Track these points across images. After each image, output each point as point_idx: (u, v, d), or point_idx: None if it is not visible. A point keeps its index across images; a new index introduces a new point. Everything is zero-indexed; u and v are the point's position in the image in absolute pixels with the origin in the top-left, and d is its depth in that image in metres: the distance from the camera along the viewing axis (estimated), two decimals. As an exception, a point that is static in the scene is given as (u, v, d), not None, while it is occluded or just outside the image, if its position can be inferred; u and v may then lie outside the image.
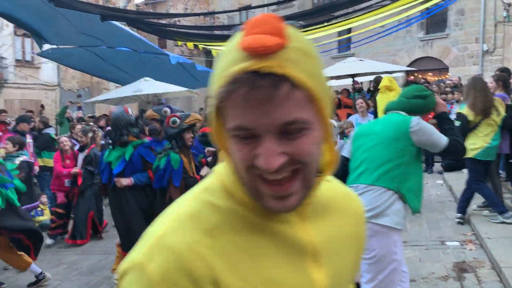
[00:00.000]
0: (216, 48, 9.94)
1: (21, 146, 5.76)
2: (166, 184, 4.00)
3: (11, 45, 19.21)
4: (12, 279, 5.09)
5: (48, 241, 6.20)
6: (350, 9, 8.26)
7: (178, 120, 4.02)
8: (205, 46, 9.68)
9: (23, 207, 4.84)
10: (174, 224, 0.71)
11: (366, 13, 7.52)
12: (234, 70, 0.66)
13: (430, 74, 17.90)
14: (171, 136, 4.09)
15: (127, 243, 4.23)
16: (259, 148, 0.67)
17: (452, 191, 7.17)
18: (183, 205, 0.76)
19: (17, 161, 5.57)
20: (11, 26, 17.51)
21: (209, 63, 20.68)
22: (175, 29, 8.86)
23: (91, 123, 8.83)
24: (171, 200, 3.97)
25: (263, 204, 0.71)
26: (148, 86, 10.12)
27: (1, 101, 18.80)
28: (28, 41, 21.19)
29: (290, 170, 0.69)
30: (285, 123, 0.67)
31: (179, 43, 9.17)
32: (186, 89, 11.17)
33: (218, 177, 0.79)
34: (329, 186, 0.88)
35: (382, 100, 5.60)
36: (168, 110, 4.87)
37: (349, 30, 11.24)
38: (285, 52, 0.68)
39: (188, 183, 3.92)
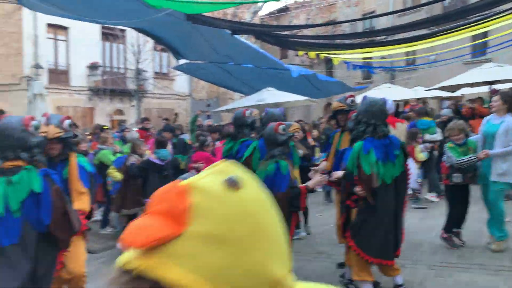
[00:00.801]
0: (337, 57, 9.95)
1: (162, 145, 6.36)
2: (276, 189, 4.04)
3: (152, 59, 21.46)
4: None
5: None
6: (487, 12, 7.60)
7: (286, 128, 4.09)
8: (326, 55, 9.76)
9: None
10: None
11: (506, 15, 6.86)
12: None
13: None
14: (279, 143, 4.10)
15: None
16: None
17: None
18: None
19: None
20: (151, 42, 19.56)
21: (330, 72, 20.65)
22: (297, 39, 9.09)
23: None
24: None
25: None
26: (270, 95, 10.54)
27: (142, 110, 21.05)
28: (165, 55, 23.51)
29: None
30: None
31: (300, 53, 9.38)
32: (307, 98, 11.35)
33: None
34: None
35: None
36: (354, 99, 4.89)
37: (485, 34, 10.33)
38: (175, 243, 0.54)
39: (294, 190, 3.93)
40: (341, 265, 4.83)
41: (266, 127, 5.21)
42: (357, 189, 3.90)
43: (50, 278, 2.66)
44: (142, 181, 6.12)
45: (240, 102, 12.63)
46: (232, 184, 0.60)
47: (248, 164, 4.29)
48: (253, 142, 4.57)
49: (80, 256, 3.23)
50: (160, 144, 6.25)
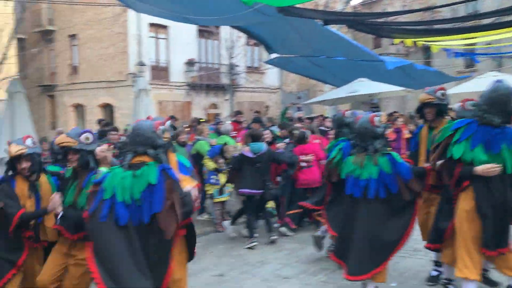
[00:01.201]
0: (436, 44, 9.33)
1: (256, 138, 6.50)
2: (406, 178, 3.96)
3: (244, 54, 22.00)
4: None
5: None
6: None
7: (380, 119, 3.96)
8: (424, 43, 9.21)
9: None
10: None
11: None
12: None
13: None
14: (377, 135, 3.97)
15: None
16: None
17: None
18: None
19: None
20: (244, 37, 20.07)
21: (428, 61, 19.49)
22: (393, 26, 8.71)
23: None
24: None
25: None
26: (363, 86, 10.24)
27: (234, 104, 21.73)
28: (256, 49, 23.96)
29: None
30: None
31: (396, 41, 8.97)
32: (402, 88, 10.85)
33: None
34: None
35: None
36: (445, 92, 4.47)
37: None
38: None
39: (419, 171, 4.03)
40: (437, 264, 4.60)
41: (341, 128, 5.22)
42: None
43: (163, 270, 3.00)
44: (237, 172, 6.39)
45: (331, 93, 12.46)
46: None
47: (337, 164, 4.21)
48: (340, 143, 4.47)
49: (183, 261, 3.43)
50: (254, 137, 6.39)
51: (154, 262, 2.95)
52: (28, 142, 3.68)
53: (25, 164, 3.63)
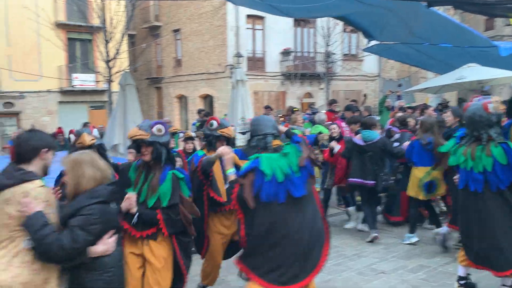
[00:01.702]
0: None
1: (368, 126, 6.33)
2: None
3: (341, 41, 21.48)
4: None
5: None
6: None
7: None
8: (547, 22, 8.19)
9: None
10: None
11: None
12: None
13: None
14: (492, 123, 3.66)
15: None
16: None
17: None
18: None
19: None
20: (341, 24, 19.57)
21: (551, 42, 17.29)
22: (509, 4, 7.85)
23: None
24: None
25: None
26: (472, 72, 9.38)
27: (330, 92, 21.35)
28: (354, 36, 23.25)
29: None
30: None
31: (512, 21, 8.10)
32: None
33: None
34: None
35: None
36: None
37: None
38: None
39: None
40: None
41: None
42: None
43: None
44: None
45: (435, 80, 11.63)
46: None
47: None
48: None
49: None
50: (366, 125, 6.20)
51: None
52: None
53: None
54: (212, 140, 4.20)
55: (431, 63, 11.30)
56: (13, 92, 19.34)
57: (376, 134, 6.05)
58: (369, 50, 11.06)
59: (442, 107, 10.01)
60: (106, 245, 2.48)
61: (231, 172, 3.27)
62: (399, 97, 11.73)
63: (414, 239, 5.83)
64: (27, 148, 2.44)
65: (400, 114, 8.13)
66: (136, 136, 3.34)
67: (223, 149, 3.44)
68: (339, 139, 6.66)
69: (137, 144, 3.40)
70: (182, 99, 24.59)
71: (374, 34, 8.95)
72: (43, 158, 2.47)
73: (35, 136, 2.49)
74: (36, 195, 2.35)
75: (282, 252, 2.98)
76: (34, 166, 2.44)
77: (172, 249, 3.39)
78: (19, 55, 19.12)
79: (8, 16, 18.83)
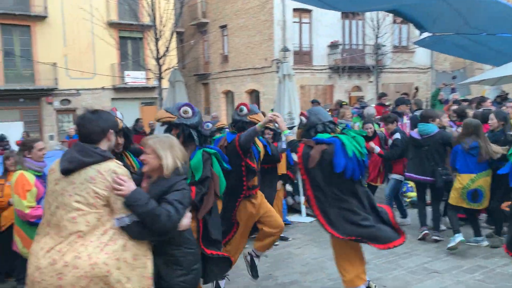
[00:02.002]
0: None
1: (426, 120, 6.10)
2: None
3: (391, 33, 20.84)
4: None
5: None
6: None
7: None
8: None
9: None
10: None
11: None
12: None
13: None
14: None
15: None
16: None
17: None
18: None
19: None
20: (391, 15, 18.98)
21: None
22: None
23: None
24: None
25: None
26: (536, 62, 8.81)
27: (379, 86, 20.81)
28: (404, 27, 22.48)
29: None
30: None
31: None
32: None
33: None
34: None
35: None
36: None
37: None
38: None
39: None
40: None
41: None
42: None
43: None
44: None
45: (494, 72, 11.01)
46: None
47: None
48: None
49: None
50: (424, 117, 5.97)
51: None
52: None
53: (120, 140, 3.32)
54: (242, 126, 4.11)
55: (488, 56, 10.68)
56: (70, 89, 20.31)
57: (433, 127, 5.73)
58: (420, 43, 10.59)
59: (501, 99, 9.48)
60: (188, 219, 2.59)
61: (288, 133, 3.65)
62: (453, 90, 11.23)
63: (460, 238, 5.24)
64: (96, 129, 2.40)
65: (455, 107, 7.77)
66: (163, 118, 3.34)
67: (273, 114, 3.68)
68: (373, 137, 6.49)
69: (168, 127, 3.37)
70: (229, 94, 24.84)
71: (426, 25, 8.58)
72: (110, 139, 2.47)
73: (102, 117, 2.46)
74: (122, 173, 2.37)
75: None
76: (102, 147, 2.43)
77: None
78: (74, 54, 20.05)
79: (64, 18, 19.78)
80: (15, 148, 13.14)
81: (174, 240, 2.56)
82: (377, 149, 6.28)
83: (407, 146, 6.01)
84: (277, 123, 3.67)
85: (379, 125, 7.76)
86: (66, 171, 2.32)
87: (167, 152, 2.57)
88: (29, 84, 19.45)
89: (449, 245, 5.24)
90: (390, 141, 6.40)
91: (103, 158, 2.36)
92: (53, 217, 2.33)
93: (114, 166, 2.36)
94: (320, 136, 3.56)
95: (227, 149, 4.00)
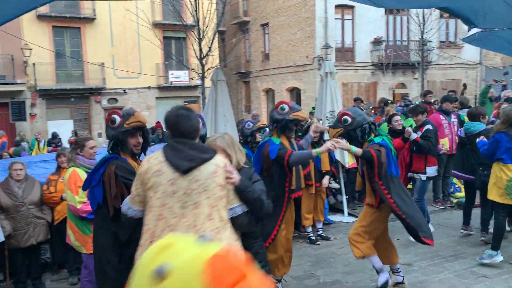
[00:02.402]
0: None
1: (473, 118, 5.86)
2: None
3: (437, 28, 20.15)
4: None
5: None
6: None
7: None
8: None
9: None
10: None
11: None
12: None
13: None
14: None
15: None
16: None
17: None
18: None
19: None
20: (437, 10, 18.32)
21: None
22: None
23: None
24: None
25: None
26: None
27: (425, 82, 20.16)
28: (452, 22, 21.68)
29: None
30: None
31: None
32: None
33: None
34: None
35: None
36: None
37: None
38: None
39: None
40: None
41: None
42: None
43: None
44: None
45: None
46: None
47: None
48: None
49: None
50: (471, 115, 5.81)
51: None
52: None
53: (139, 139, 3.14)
54: (285, 125, 4.09)
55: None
56: (117, 89, 21.02)
57: (479, 126, 5.54)
58: (469, 39, 10.16)
59: None
60: None
61: (355, 150, 3.83)
62: (504, 87, 10.73)
63: (499, 258, 4.81)
64: (197, 125, 2.43)
65: (505, 105, 7.42)
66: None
67: (331, 144, 3.76)
68: (402, 131, 6.05)
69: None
70: (269, 92, 24.88)
71: (475, 21, 8.23)
72: (199, 136, 2.52)
73: (195, 117, 2.45)
74: (228, 164, 2.45)
75: None
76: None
77: None
78: (121, 54, 20.73)
79: (111, 19, 20.48)
80: (66, 145, 13.72)
81: (254, 233, 2.66)
82: (414, 135, 5.72)
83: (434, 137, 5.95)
84: (340, 148, 3.88)
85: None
86: (188, 170, 2.26)
87: (234, 148, 2.78)
88: (79, 83, 20.29)
89: (482, 261, 4.90)
90: (419, 134, 5.85)
91: (215, 152, 2.41)
92: (182, 218, 2.23)
93: (222, 159, 2.43)
94: (375, 138, 4.00)
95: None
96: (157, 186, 2.26)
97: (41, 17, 19.03)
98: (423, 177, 5.89)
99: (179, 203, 2.23)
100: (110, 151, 3.07)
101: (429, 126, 5.92)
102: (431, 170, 5.92)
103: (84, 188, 3.24)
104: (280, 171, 4.01)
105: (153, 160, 2.31)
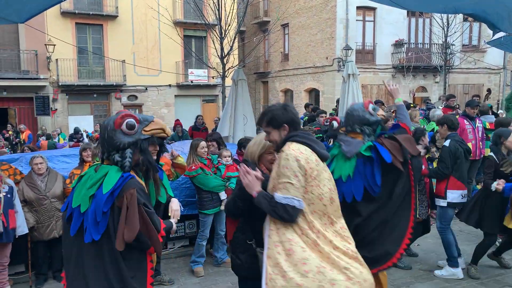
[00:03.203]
0: None
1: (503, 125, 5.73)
2: None
3: (461, 32, 19.82)
4: None
5: None
6: None
7: None
8: None
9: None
10: None
11: None
12: None
13: None
14: None
15: None
16: None
17: None
18: None
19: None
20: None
21: None
22: None
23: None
24: None
25: None
26: None
27: (446, 86, 19.85)
28: (476, 25, 21.31)
29: None
30: None
31: None
32: None
33: None
34: None
35: None
36: None
37: None
38: None
39: None
40: None
41: None
42: None
43: None
44: None
45: None
46: None
47: None
48: None
49: None
50: (500, 124, 5.68)
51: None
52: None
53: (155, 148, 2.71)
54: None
55: None
56: (137, 86, 21.23)
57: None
58: (494, 43, 9.96)
59: None
60: None
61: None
62: (530, 92, 10.48)
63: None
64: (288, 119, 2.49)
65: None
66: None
67: None
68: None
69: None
70: (288, 93, 24.82)
71: (501, 26, 8.05)
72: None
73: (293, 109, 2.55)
74: None
75: None
76: None
77: None
78: (142, 52, 20.93)
79: (133, 17, 20.69)
80: (86, 140, 13.80)
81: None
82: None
83: (460, 156, 4.76)
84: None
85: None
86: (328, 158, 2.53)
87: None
88: (100, 80, 20.55)
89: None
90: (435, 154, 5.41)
91: None
92: (332, 205, 2.40)
93: None
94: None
95: None
96: (319, 175, 2.36)
97: (65, 14, 19.33)
98: (443, 203, 4.82)
99: (330, 190, 2.42)
100: (106, 163, 2.38)
101: (446, 143, 4.89)
102: (454, 195, 4.77)
103: (64, 209, 2.43)
104: None
105: (305, 151, 2.34)
